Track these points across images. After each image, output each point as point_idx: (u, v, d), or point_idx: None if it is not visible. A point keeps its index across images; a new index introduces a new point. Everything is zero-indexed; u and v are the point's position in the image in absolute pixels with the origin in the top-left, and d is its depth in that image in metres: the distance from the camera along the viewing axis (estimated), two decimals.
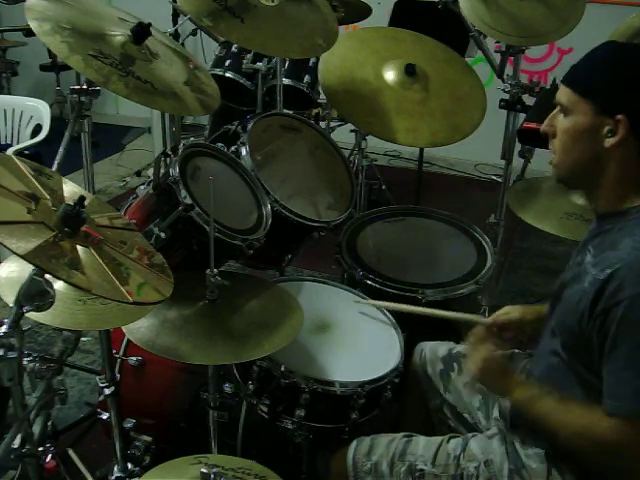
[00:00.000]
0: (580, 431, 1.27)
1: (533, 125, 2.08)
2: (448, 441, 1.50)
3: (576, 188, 1.45)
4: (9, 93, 4.92)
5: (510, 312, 1.68)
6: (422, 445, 1.50)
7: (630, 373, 1.20)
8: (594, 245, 1.33)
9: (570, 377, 1.35)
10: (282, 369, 1.65)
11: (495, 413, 1.62)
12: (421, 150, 3.74)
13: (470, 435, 1.53)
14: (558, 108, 1.34)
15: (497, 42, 2.43)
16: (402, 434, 1.55)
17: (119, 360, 1.89)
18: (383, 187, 3.82)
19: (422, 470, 1.46)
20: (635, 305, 1.18)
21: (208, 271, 1.57)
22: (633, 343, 1.19)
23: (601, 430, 1.23)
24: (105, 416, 1.84)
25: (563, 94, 1.32)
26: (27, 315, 1.18)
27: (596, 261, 1.28)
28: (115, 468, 1.84)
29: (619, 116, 1.23)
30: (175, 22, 4.12)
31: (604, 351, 1.23)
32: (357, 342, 1.83)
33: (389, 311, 1.94)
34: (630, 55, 1.28)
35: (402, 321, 1.89)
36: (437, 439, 1.52)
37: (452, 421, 1.72)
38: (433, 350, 1.79)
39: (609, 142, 1.26)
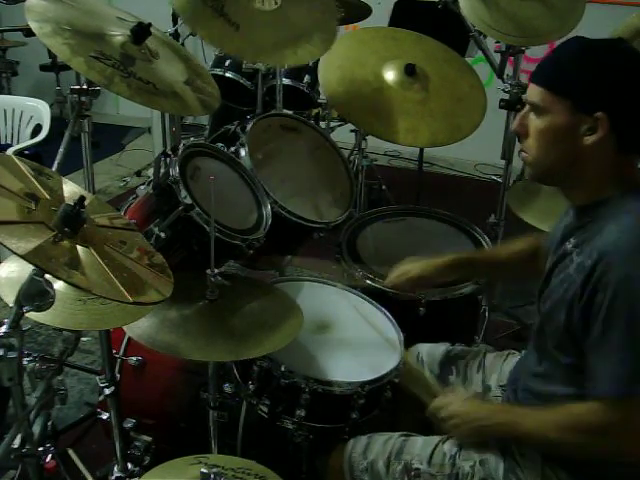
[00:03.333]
0: (564, 425, 1.28)
1: None
2: (444, 441, 1.50)
3: (553, 185, 1.43)
4: (9, 93, 4.93)
5: (408, 271, 1.74)
6: (418, 444, 1.51)
7: (619, 354, 1.19)
8: (576, 237, 1.32)
9: (556, 375, 1.36)
10: (282, 369, 1.65)
11: None
12: (421, 150, 3.74)
13: None
14: (528, 107, 1.32)
15: (497, 42, 2.43)
16: (399, 433, 1.55)
17: (119, 360, 1.89)
18: (383, 187, 3.82)
19: (418, 469, 1.46)
20: (622, 287, 1.18)
21: (208, 271, 1.57)
22: (622, 325, 1.19)
23: (588, 417, 1.24)
24: (105, 416, 1.84)
25: (535, 93, 1.29)
26: (27, 315, 1.18)
27: (581, 249, 1.28)
28: (115, 468, 1.84)
29: (598, 114, 1.22)
30: (175, 22, 4.12)
31: (592, 335, 1.22)
32: (357, 342, 1.83)
33: (383, 304, 1.94)
34: (601, 51, 1.26)
35: (402, 321, 1.89)
36: (434, 439, 1.52)
37: None
38: (430, 353, 1.79)
39: (588, 140, 1.25)
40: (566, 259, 1.32)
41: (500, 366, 1.69)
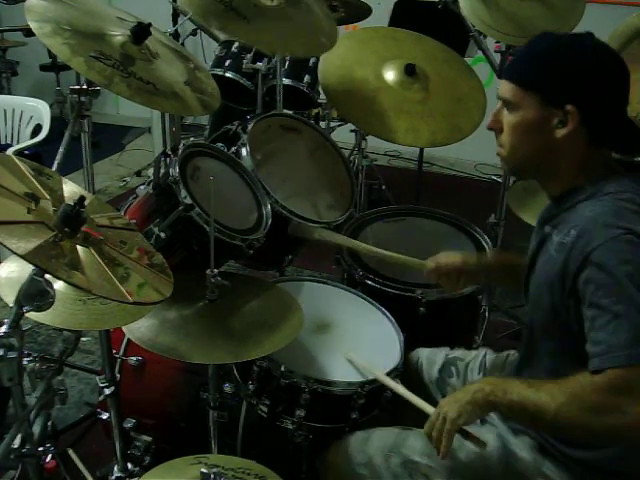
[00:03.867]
0: (569, 399, 1.18)
1: None
2: None
3: (529, 178, 1.45)
4: (9, 93, 4.92)
5: (452, 257, 1.70)
6: (417, 438, 1.50)
7: (616, 322, 1.14)
8: (553, 224, 1.34)
9: (559, 366, 1.34)
10: (282, 369, 1.65)
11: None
12: (421, 150, 3.74)
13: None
14: (501, 103, 1.34)
15: (497, 42, 2.43)
16: (398, 427, 1.55)
17: (119, 360, 1.89)
18: (383, 187, 3.82)
19: (417, 462, 1.46)
20: (607, 250, 1.16)
21: (208, 271, 1.57)
22: (614, 289, 1.15)
23: (594, 389, 1.15)
24: (105, 416, 1.84)
25: (507, 89, 1.31)
26: (27, 315, 1.18)
27: (559, 229, 1.29)
28: (115, 468, 1.84)
29: (568, 107, 1.24)
30: (175, 22, 4.13)
31: (583, 310, 1.19)
32: (357, 342, 1.83)
33: (383, 304, 1.94)
34: (569, 45, 1.28)
35: (402, 321, 1.89)
36: None
37: None
38: (429, 358, 1.79)
39: (560, 133, 1.27)
40: (546, 242, 1.33)
41: (501, 368, 1.69)
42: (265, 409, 1.71)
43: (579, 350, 1.21)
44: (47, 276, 1.11)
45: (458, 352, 1.78)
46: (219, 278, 1.58)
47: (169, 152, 1.88)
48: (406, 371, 1.77)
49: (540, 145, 1.31)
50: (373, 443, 1.52)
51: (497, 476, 1.42)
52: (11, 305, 1.18)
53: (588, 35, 1.30)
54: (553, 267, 1.27)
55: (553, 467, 1.38)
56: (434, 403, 1.70)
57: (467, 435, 1.33)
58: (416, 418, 1.64)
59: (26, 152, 3.26)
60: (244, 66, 2.79)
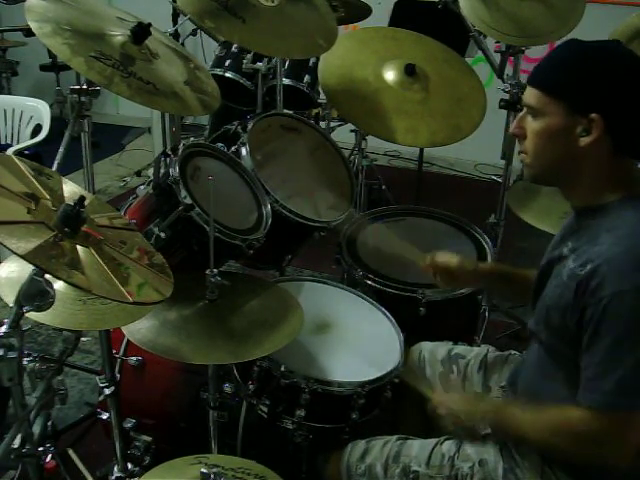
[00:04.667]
0: (555, 428, 1.30)
1: None
2: (442, 443, 1.50)
3: (551, 185, 1.44)
4: (9, 93, 4.92)
5: (450, 259, 1.70)
6: (416, 447, 1.51)
7: (607, 367, 1.20)
8: (573, 240, 1.33)
9: (556, 375, 1.36)
10: (282, 369, 1.65)
11: None
12: (421, 150, 3.74)
13: None
14: (525, 110, 1.33)
15: (497, 42, 2.43)
16: (396, 437, 1.56)
17: (119, 360, 1.89)
18: (383, 187, 3.82)
19: (416, 471, 1.46)
20: (614, 303, 1.18)
21: (208, 271, 1.57)
22: (612, 339, 1.19)
23: (576, 423, 1.25)
24: (105, 416, 1.84)
25: (531, 96, 1.31)
26: (27, 315, 1.18)
27: (576, 255, 1.28)
28: (115, 468, 1.84)
29: (593, 115, 1.23)
30: (175, 22, 4.12)
31: (584, 345, 1.24)
32: (357, 342, 1.83)
33: (383, 304, 1.94)
34: (596, 52, 1.27)
35: (402, 321, 1.89)
36: (432, 441, 1.52)
37: None
38: (432, 352, 1.79)
39: (584, 141, 1.26)
40: (562, 262, 1.33)
41: (501, 367, 1.69)
42: (265, 409, 1.71)
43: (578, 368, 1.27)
44: (47, 276, 1.11)
45: (460, 348, 1.78)
46: (219, 278, 1.58)
47: (169, 152, 1.88)
48: (408, 364, 1.77)
49: (563, 152, 1.29)
50: (372, 453, 1.53)
51: None
52: (11, 305, 1.18)
53: (615, 43, 1.29)
54: (565, 294, 1.27)
55: (558, 477, 1.38)
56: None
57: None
58: (417, 424, 1.66)
59: (26, 152, 3.25)
60: (244, 66, 2.79)
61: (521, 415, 1.36)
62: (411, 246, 1.84)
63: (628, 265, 1.19)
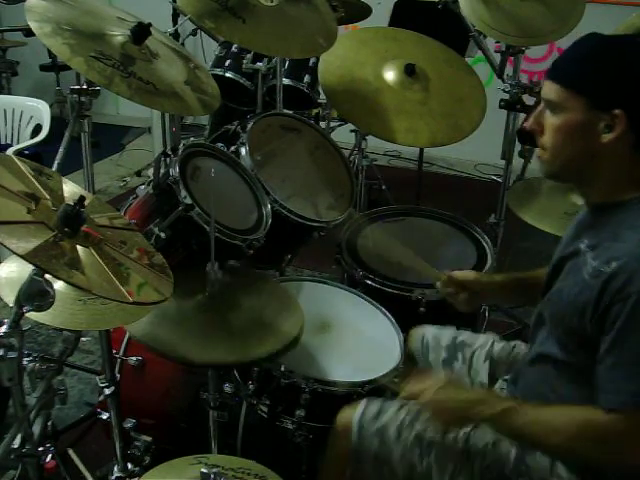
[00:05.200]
0: (576, 431, 1.23)
1: None
2: None
3: (568, 182, 1.42)
4: (9, 93, 4.92)
5: (466, 274, 1.69)
6: None
7: (635, 368, 1.17)
8: (590, 236, 1.30)
9: (562, 376, 1.34)
10: (282, 369, 1.65)
11: None
12: (421, 150, 3.74)
13: None
14: (543, 104, 1.30)
15: (497, 42, 2.43)
16: (414, 402, 1.48)
17: (119, 360, 1.89)
18: (383, 187, 3.81)
19: (431, 440, 1.42)
20: None
21: (209, 265, 1.57)
22: (637, 341, 1.17)
23: (601, 427, 1.21)
24: (105, 416, 1.84)
25: (551, 90, 1.27)
26: (27, 315, 1.18)
27: (596, 253, 1.25)
28: (115, 468, 1.84)
29: (616, 111, 1.20)
30: (175, 22, 4.12)
31: (605, 345, 1.21)
32: (357, 342, 1.83)
33: (383, 304, 1.93)
34: (618, 47, 1.25)
35: (402, 321, 1.89)
36: None
37: None
38: (436, 337, 1.76)
39: (606, 137, 1.23)
40: (579, 258, 1.29)
41: (507, 358, 1.67)
42: (265, 409, 1.71)
43: (589, 370, 1.24)
44: (47, 276, 1.11)
45: (465, 335, 1.75)
46: (219, 275, 1.58)
47: (169, 152, 1.88)
48: (409, 348, 1.76)
49: (584, 149, 1.26)
50: (388, 414, 1.47)
51: (510, 472, 1.39)
52: (11, 305, 1.18)
53: (638, 37, 1.27)
54: (585, 292, 1.24)
55: (567, 472, 1.36)
56: None
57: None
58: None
59: (26, 152, 3.25)
60: (244, 66, 2.79)
61: (535, 414, 1.29)
62: (424, 262, 1.81)
63: None
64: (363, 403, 1.51)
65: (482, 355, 1.70)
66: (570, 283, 1.30)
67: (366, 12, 3.21)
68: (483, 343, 1.73)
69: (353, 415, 1.49)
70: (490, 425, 1.38)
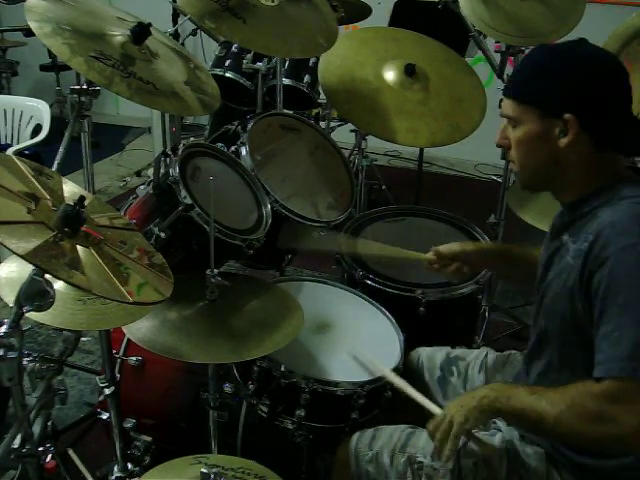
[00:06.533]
0: (569, 407, 1.19)
1: None
2: None
3: (543, 190, 1.46)
4: (9, 93, 4.92)
5: (451, 246, 1.74)
6: (424, 438, 1.49)
7: (621, 333, 1.15)
8: (570, 233, 1.33)
9: (564, 372, 1.34)
10: (282, 369, 1.65)
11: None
12: (421, 150, 3.74)
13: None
14: (507, 121, 1.36)
15: (497, 42, 2.43)
16: (405, 426, 1.54)
17: (119, 360, 1.89)
18: (383, 187, 3.82)
19: (421, 462, 1.46)
20: (621, 258, 1.17)
21: (208, 271, 1.57)
22: (623, 299, 1.16)
23: (594, 397, 1.17)
24: (105, 416, 1.84)
25: (507, 106, 1.34)
26: (27, 315, 1.18)
27: (575, 238, 1.29)
28: (115, 468, 1.84)
29: (567, 115, 1.25)
30: (175, 22, 4.13)
31: (594, 317, 1.20)
32: (357, 342, 1.83)
33: (383, 304, 1.94)
34: (561, 54, 1.29)
35: (402, 321, 1.89)
36: None
37: None
38: (430, 357, 1.78)
39: (563, 142, 1.27)
40: (562, 249, 1.33)
41: (502, 366, 1.69)
42: (265, 409, 1.71)
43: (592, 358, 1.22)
44: (47, 276, 1.11)
45: (459, 351, 1.78)
46: (219, 278, 1.58)
47: (169, 152, 1.88)
48: (406, 370, 1.76)
49: (546, 156, 1.31)
50: (380, 441, 1.52)
51: None
52: (11, 305, 1.18)
53: (579, 41, 1.31)
54: (571, 274, 1.26)
55: (563, 477, 1.36)
56: (435, 402, 1.69)
57: (471, 437, 1.32)
58: (417, 418, 1.64)
59: (26, 152, 3.25)
60: (244, 66, 2.79)
61: (530, 397, 1.25)
62: (407, 250, 1.85)
63: (629, 224, 1.20)
64: (357, 433, 1.56)
65: (476, 366, 1.71)
66: (557, 272, 1.33)
67: (366, 12, 3.21)
68: (477, 355, 1.75)
69: (349, 445, 1.53)
70: (502, 413, 1.32)
